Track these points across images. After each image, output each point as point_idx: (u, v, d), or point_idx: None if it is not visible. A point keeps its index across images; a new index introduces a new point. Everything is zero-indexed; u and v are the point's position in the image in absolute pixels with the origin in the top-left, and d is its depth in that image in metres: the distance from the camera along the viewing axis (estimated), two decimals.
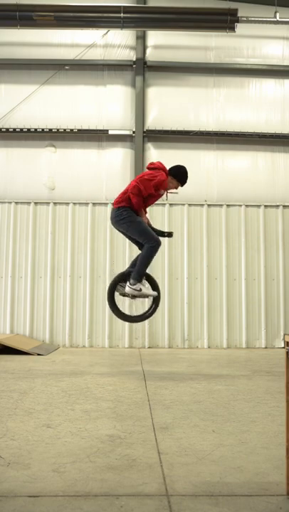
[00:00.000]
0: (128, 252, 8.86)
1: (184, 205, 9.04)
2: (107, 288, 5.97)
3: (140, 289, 5.58)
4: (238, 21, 8.66)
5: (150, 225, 5.80)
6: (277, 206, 9.15)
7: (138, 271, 5.56)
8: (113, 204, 5.70)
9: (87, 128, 9.43)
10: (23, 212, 8.99)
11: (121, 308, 5.84)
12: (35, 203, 9.00)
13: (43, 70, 9.53)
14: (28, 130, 9.39)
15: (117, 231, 5.96)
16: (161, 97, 9.63)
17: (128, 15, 8.67)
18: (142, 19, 8.88)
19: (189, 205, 9.06)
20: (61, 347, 8.57)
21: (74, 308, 8.79)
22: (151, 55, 9.66)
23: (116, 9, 8.64)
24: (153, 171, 5.57)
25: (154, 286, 5.77)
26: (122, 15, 8.62)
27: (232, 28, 8.68)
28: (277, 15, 8.82)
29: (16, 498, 2.17)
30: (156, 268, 8.87)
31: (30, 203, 8.99)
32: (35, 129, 9.39)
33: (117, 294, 5.78)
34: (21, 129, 9.38)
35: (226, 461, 2.65)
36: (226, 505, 2.10)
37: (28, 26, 8.77)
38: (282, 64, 9.75)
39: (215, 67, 9.67)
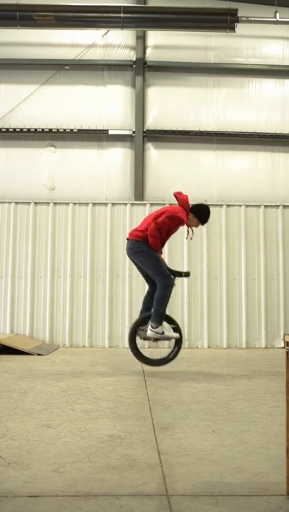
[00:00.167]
0: None
1: None
2: (127, 334, 5.90)
3: (162, 332, 5.57)
4: (238, 21, 8.67)
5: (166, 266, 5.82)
6: (277, 206, 9.15)
7: (157, 312, 5.54)
8: (129, 236, 5.70)
9: (87, 128, 9.43)
10: (23, 212, 8.98)
11: (143, 352, 5.76)
12: (35, 203, 9.00)
13: (43, 70, 9.54)
14: (28, 130, 9.39)
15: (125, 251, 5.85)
16: (161, 97, 9.63)
17: (128, 15, 8.67)
18: (142, 19, 8.88)
19: None
20: (61, 347, 8.57)
21: (74, 308, 8.79)
22: (151, 55, 9.66)
23: (116, 9, 8.65)
24: (174, 210, 5.55)
25: (176, 327, 5.72)
26: (122, 15, 8.62)
27: (232, 28, 8.68)
28: (277, 15, 8.83)
29: (16, 498, 2.17)
30: None
31: (30, 203, 8.99)
32: (35, 129, 9.39)
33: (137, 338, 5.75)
34: (21, 129, 9.39)
35: (226, 461, 2.65)
36: (226, 505, 2.10)
37: (28, 26, 8.77)
38: (282, 64, 9.76)
39: (215, 67, 9.67)
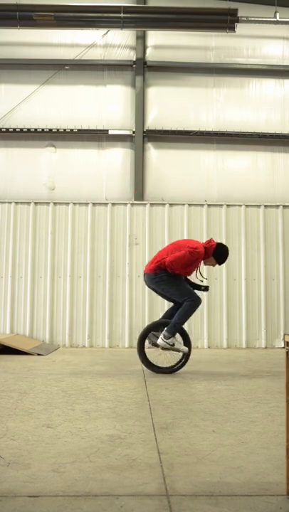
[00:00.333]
0: (128, 253, 8.87)
1: (183, 205, 9.04)
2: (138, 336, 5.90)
3: (173, 344, 5.60)
4: (238, 21, 8.66)
5: (187, 279, 5.86)
6: (277, 206, 9.15)
7: (175, 325, 5.59)
8: (146, 271, 5.77)
9: (87, 128, 9.43)
10: (23, 212, 8.98)
11: (150, 358, 5.76)
12: (35, 203, 9.00)
13: (43, 70, 9.54)
14: (28, 130, 9.39)
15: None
16: (161, 97, 9.63)
17: (128, 15, 8.67)
18: (142, 19, 8.88)
19: (189, 205, 9.06)
20: (61, 347, 8.57)
21: (74, 308, 8.79)
22: (151, 55, 9.66)
23: (116, 9, 8.64)
24: (194, 245, 5.62)
25: (187, 340, 5.74)
26: (122, 15, 8.62)
27: (232, 28, 8.68)
28: (277, 15, 8.82)
29: (16, 498, 2.17)
30: None
31: (30, 203, 8.99)
32: (35, 129, 9.39)
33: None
34: (21, 129, 9.38)
35: (226, 461, 2.65)
36: (225, 505, 2.10)
37: (28, 26, 8.77)
38: (282, 64, 9.76)
39: (215, 67, 9.67)
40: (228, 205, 9.12)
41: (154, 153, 9.55)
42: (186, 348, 5.66)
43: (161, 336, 5.61)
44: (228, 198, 9.41)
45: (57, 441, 2.98)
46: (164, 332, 5.61)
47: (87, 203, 9.02)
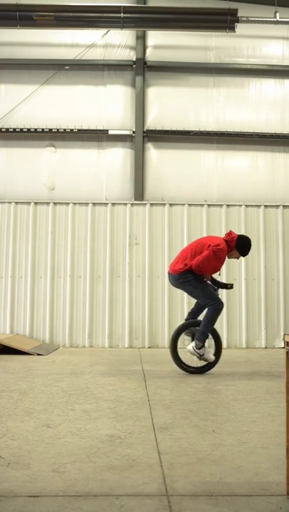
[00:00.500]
0: (128, 253, 8.87)
1: (183, 205, 9.04)
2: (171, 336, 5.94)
3: (203, 354, 5.66)
4: (238, 21, 8.66)
5: (212, 279, 5.89)
6: (277, 206, 9.15)
7: (203, 332, 5.65)
8: (171, 271, 5.82)
9: (87, 128, 9.43)
10: (23, 212, 8.98)
11: (182, 358, 5.79)
12: (35, 203, 9.00)
13: (43, 70, 9.54)
14: (28, 130, 9.39)
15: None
16: (161, 97, 9.63)
17: (128, 15, 8.67)
18: (142, 19, 8.87)
19: (189, 205, 9.06)
20: (61, 347, 8.57)
21: (74, 308, 8.79)
22: (151, 55, 9.66)
23: (116, 9, 8.64)
24: (216, 242, 5.64)
25: (218, 342, 5.81)
26: (122, 15, 8.62)
27: (232, 28, 8.68)
28: (277, 15, 8.82)
29: (16, 498, 2.17)
30: (157, 268, 8.88)
31: (30, 203, 8.99)
32: (35, 129, 9.39)
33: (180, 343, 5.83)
34: (21, 129, 9.38)
35: (226, 461, 2.65)
36: (225, 505, 2.10)
37: (28, 26, 8.77)
38: (282, 64, 9.75)
39: (215, 67, 9.67)
40: (228, 205, 9.12)
41: (154, 153, 9.55)
42: (212, 358, 5.72)
43: (192, 344, 5.67)
44: (228, 198, 9.41)
45: (57, 441, 2.98)
46: (195, 340, 5.68)
47: (87, 203, 9.02)
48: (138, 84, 9.47)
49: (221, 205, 9.11)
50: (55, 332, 8.73)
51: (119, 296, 8.82)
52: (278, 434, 3.16)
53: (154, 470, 2.51)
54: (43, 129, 9.38)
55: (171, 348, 5.77)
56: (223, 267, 8.70)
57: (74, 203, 9.00)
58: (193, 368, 5.74)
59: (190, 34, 9.58)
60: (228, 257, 5.85)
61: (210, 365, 5.76)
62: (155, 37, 9.68)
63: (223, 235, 8.89)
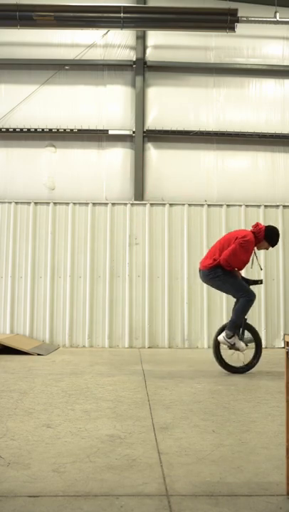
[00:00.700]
0: (128, 253, 8.87)
1: (184, 205, 9.04)
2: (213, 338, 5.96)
3: (234, 344, 5.69)
4: (238, 21, 8.66)
5: (242, 277, 5.93)
6: (277, 206, 9.15)
7: (234, 322, 5.69)
8: (201, 267, 5.87)
9: (87, 128, 9.43)
10: (23, 212, 8.99)
11: (225, 359, 5.84)
12: (35, 203, 9.00)
13: (43, 70, 9.54)
14: (28, 130, 9.39)
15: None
16: (161, 97, 9.63)
17: (128, 15, 8.67)
18: (142, 19, 8.87)
19: (189, 205, 9.06)
20: (61, 347, 8.57)
21: (74, 308, 8.79)
22: (151, 55, 9.66)
23: (116, 9, 8.64)
24: (243, 234, 5.69)
25: (256, 337, 5.86)
26: (122, 15, 8.62)
27: (232, 28, 8.68)
28: (277, 15, 8.82)
29: (16, 498, 2.17)
30: (156, 268, 8.88)
31: (30, 203, 8.99)
32: (35, 129, 9.39)
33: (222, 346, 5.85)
34: (21, 129, 9.38)
35: (226, 461, 2.65)
36: (225, 505, 2.10)
37: (28, 26, 8.77)
38: (282, 64, 9.76)
39: (215, 67, 9.67)
40: (228, 205, 9.12)
41: (154, 153, 9.55)
42: (244, 346, 5.75)
43: (223, 334, 5.70)
44: (228, 198, 9.41)
45: (57, 441, 2.98)
46: (226, 330, 5.71)
47: (87, 203, 9.02)
48: (138, 84, 9.47)
49: (221, 205, 9.11)
50: (55, 332, 8.73)
51: (119, 296, 8.82)
52: (278, 434, 3.16)
53: (154, 470, 2.51)
54: (43, 129, 9.38)
55: (213, 347, 5.80)
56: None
57: (74, 203, 9.00)
58: (236, 367, 5.76)
59: (190, 34, 9.58)
60: (258, 249, 5.89)
61: (251, 365, 5.77)
62: (155, 37, 9.68)
63: (223, 235, 8.96)
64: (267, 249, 6.00)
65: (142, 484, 2.32)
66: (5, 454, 2.73)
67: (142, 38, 9.56)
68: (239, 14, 8.65)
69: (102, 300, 8.78)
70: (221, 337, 5.70)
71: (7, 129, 9.37)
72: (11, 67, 9.55)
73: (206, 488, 2.28)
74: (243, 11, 8.94)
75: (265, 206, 9.13)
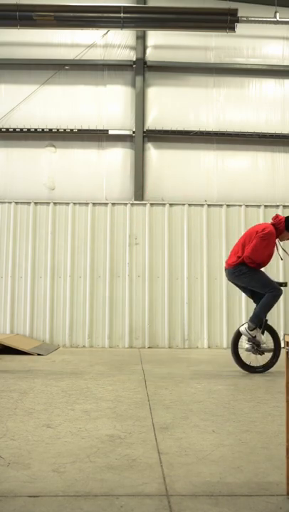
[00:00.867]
0: (128, 253, 8.87)
1: (184, 205, 9.04)
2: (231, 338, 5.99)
3: (255, 336, 5.67)
4: (238, 21, 8.66)
5: None
6: (277, 206, 9.15)
7: (257, 315, 5.68)
8: (226, 266, 5.89)
9: (87, 128, 9.43)
10: (23, 212, 8.99)
11: (243, 359, 5.83)
12: (35, 203, 9.00)
13: (43, 70, 9.53)
14: (28, 130, 9.39)
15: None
16: (161, 97, 9.63)
17: (128, 15, 8.67)
18: (142, 19, 8.87)
19: (189, 205, 9.06)
20: (61, 347, 8.57)
21: (74, 308, 8.79)
22: (151, 55, 9.66)
23: (116, 9, 8.64)
24: (262, 227, 5.69)
25: (275, 338, 5.85)
26: (122, 15, 8.62)
27: (232, 28, 8.68)
28: (277, 15, 8.82)
29: (16, 498, 2.17)
30: (156, 268, 8.88)
31: (30, 203, 8.99)
32: (35, 129, 9.39)
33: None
34: (21, 129, 9.38)
35: (226, 461, 2.65)
36: (225, 505, 2.10)
37: (28, 26, 8.77)
38: (282, 64, 9.75)
39: (215, 67, 9.67)
40: (228, 205, 9.12)
41: (154, 153, 9.55)
42: (264, 341, 5.74)
43: (245, 325, 5.69)
44: (228, 198, 9.41)
45: (57, 441, 2.98)
46: (248, 322, 5.70)
47: (87, 203, 9.02)
48: (138, 84, 9.47)
49: (221, 205, 9.11)
50: (55, 332, 8.73)
51: (119, 296, 8.82)
52: (278, 434, 3.16)
53: (154, 470, 2.51)
54: (43, 129, 9.38)
55: (231, 348, 5.80)
56: (223, 267, 8.71)
57: (74, 203, 9.00)
58: (255, 367, 5.75)
59: (190, 34, 9.58)
60: (281, 240, 5.87)
61: (269, 365, 5.75)
62: (155, 37, 9.68)
63: (223, 235, 8.97)
64: None
65: (142, 484, 2.32)
66: (5, 454, 2.73)
67: (141, 38, 9.56)
68: (239, 14, 8.65)
69: (102, 300, 8.78)
70: (243, 328, 5.69)
71: (7, 129, 9.37)
72: (11, 67, 9.55)
73: (206, 488, 2.28)
74: (243, 11, 8.94)
75: (265, 206, 9.12)
